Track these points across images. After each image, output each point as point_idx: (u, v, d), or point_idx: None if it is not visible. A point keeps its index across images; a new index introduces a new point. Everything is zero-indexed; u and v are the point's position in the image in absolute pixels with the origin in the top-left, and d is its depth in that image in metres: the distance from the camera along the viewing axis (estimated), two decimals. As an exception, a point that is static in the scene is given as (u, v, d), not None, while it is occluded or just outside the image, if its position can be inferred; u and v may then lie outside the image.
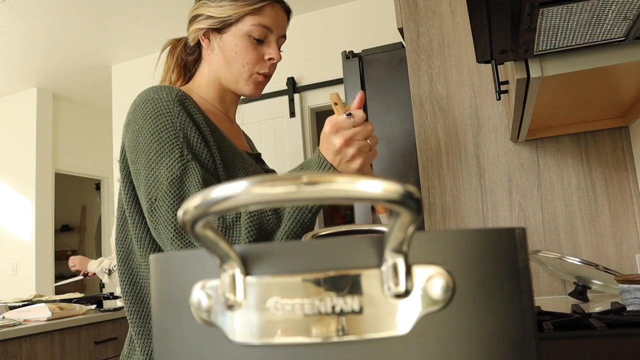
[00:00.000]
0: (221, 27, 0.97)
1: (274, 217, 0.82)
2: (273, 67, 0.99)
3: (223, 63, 0.98)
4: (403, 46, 1.87)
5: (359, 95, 0.83)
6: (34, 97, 4.38)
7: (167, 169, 0.81)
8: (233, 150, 0.93)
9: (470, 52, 1.56)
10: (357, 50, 2.09)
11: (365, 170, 0.83)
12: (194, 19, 1.00)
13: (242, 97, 1.07)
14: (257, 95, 1.01)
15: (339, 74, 3.05)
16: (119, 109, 3.97)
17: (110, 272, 2.62)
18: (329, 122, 0.80)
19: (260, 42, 0.97)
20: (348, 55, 1.97)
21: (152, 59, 3.87)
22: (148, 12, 3.28)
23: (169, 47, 1.06)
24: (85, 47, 3.69)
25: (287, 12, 1.03)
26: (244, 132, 1.15)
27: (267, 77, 0.99)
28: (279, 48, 1.00)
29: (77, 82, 4.34)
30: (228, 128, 1.02)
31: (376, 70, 1.92)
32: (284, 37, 1.01)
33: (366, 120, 0.82)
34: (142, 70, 3.91)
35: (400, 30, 1.73)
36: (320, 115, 3.57)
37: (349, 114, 0.80)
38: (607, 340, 0.68)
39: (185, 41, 1.05)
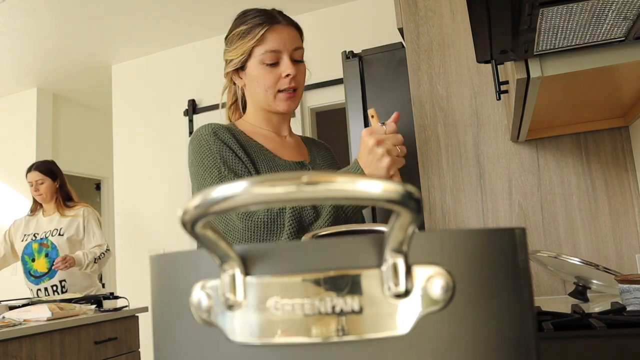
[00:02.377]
0: (242, 66, 1.12)
1: (312, 212, 0.97)
2: (294, 80, 1.10)
3: (255, 93, 1.12)
4: (403, 46, 1.87)
5: (394, 114, 1.00)
6: (34, 97, 4.37)
7: (210, 184, 1.02)
8: (271, 161, 1.09)
9: (470, 52, 1.56)
10: (357, 50, 2.09)
11: (392, 173, 0.96)
12: (225, 64, 1.15)
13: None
14: (292, 109, 1.14)
15: (339, 74, 3.04)
16: (119, 109, 3.96)
17: (96, 260, 2.81)
18: (365, 130, 0.97)
19: (274, 64, 1.09)
20: (348, 55, 1.97)
21: (151, 59, 3.88)
22: (148, 12, 3.27)
23: (227, 89, 1.22)
24: (85, 47, 3.69)
25: (291, 24, 1.12)
26: (310, 141, 1.28)
27: (293, 90, 1.11)
28: (297, 59, 1.11)
29: (77, 82, 4.34)
30: (276, 144, 1.16)
31: (376, 70, 1.92)
32: (298, 48, 1.11)
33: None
34: (142, 70, 3.90)
35: (400, 30, 1.73)
36: (320, 116, 3.55)
37: (383, 124, 0.97)
38: (607, 340, 0.68)
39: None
